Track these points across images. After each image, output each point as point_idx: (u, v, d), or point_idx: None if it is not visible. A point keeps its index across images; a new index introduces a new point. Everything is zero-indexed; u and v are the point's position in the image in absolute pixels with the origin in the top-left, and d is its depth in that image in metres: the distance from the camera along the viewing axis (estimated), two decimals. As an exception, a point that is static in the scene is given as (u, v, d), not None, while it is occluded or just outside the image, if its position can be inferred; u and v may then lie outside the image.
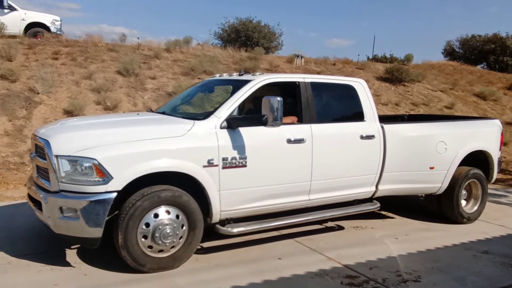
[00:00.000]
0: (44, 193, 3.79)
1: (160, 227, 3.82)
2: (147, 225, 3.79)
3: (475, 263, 4.47)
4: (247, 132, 4.27)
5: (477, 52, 24.79)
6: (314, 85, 4.92)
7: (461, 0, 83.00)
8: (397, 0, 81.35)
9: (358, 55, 25.03)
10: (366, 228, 5.57)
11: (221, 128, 4.18)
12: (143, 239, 3.78)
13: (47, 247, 4.40)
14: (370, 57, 22.72)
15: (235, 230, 4.29)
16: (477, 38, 25.32)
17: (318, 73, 14.72)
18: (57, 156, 3.67)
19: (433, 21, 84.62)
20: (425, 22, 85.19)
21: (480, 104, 15.82)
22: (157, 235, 3.80)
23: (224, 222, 4.33)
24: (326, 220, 5.57)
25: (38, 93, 9.63)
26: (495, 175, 6.37)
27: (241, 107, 4.68)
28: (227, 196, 4.18)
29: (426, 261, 4.45)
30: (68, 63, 11.47)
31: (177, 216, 3.93)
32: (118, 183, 3.64)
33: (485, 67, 24.23)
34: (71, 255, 4.23)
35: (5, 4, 13.25)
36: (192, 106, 5.75)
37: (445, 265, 4.38)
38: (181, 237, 3.97)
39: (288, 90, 4.89)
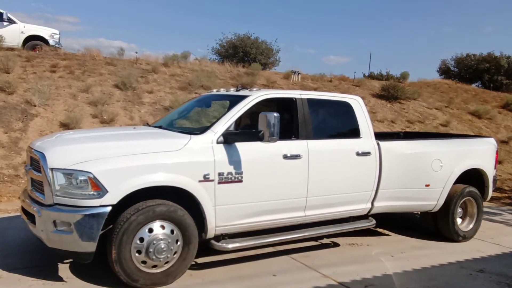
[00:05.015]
0: (38, 206, 3.76)
1: (155, 242, 3.79)
2: (141, 240, 3.76)
3: (471, 282, 4.45)
4: (243, 148, 4.27)
5: (472, 71, 25.10)
6: (311, 102, 4.95)
7: (457, 19, 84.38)
8: (394, 19, 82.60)
9: (355, 72, 25.19)
10: (361, 245, 5.54)
11: (218, 143, 4.18)
12: (137, 254, 3.75)
13: (39, 261, 4.35)
14: (366, 74, 22.99)
15: (230, 246, 4.26)
16: (472, 57, 25.66)
17: (315, 89, 14.82)
18: (52, 169, 3.65)
19: (429, 40, 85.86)
20: (421, 41, 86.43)
21: (475, 122, 15.94)
22: (151, 250, 3.77)
23: (219, 237, 4.30)
24: (321, 237, 5.54)
25: (34, 106, 9.63)
26: (491, 193, 6.39)
27: (238, 122, 4.69)
28: (222, 212, 4.16)
29: (422, 279, 4.43)
30: (66, 76, 11.50)
31: (172, 231, 3.90)
32: (113, 197, 3.62)
33: (480, 85, 24.50)
34: (64, 269, 4.17)
35: (4, 17, 13.34)
36: (189, 121, 5.76)
37: (441, 283, 4.35)
38: (175, 253, 3.93)
39: (285, 106, 4.92)
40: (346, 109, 5.26)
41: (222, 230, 4.25)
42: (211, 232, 4.16)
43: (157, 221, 3.83)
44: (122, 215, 3.71)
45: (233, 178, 4.17)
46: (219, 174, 4.09)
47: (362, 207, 5.25)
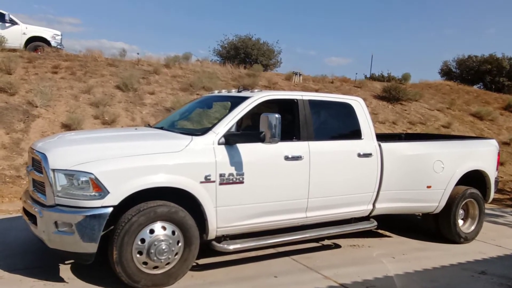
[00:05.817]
0: (39, 207, 3.76)
1: (156, 243, 3.79)
2: (143, 241, 3.76)
3: (472, 284, 4.43)
4: (244, 149, 4.27)
5: (474, 72, 25.08)
6: (312, 103, 4.95)
7: (459, 21, 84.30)
8: (395, 21, 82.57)
9: (356, 73, 25.25)
10: (363, 246, 5.54)
11: (219, 144, 4.18)
12: (138, 255, 3.74)
13: (40, 262, 4.35)
14: (368, 75, 22.97)
15: (231, 247, 4.26)
16: (473, 59, 25.65)
17: (316, 90, 14.82)
18: (53, 170, 3.65)
19: (430, 41, 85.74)
20: (423, 42, 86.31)
21: (476, 124, 15.91)
22: (152, 251, 3.77)
23: (220, 238, 4.29)
24: (323, 238, 5.53)
25: (36, 107, 9.65)
26: (492, 194, 6.37)
27: (239, 123, 4.69)
28: (223, 213, 4.15)
29: (423, 281, 4.42)
30: (68, 77, 11.53)
31: (173, 232, 3.90)
32: (114, 198, 3.62)
33: (482, 87, 24.47)
34: (65, 270, 4.17)
35: (6, 18, 13.40)
36: (190, 122, 5.76)
37: (443, 285, 4.34)
38: (176, 254, 3.93)
39: (286, 107, 4.91)
40: (347, 111, 5.26)
41: (223, 231, 4.25)
42: (212, 233, 4.16)
43: (158, 222, 3.82)
44: (124, 216, 3.70)
45: (234, 179, 4.17)
46: (220, 175, 4.09)
47: (364, 209, 5.24)
